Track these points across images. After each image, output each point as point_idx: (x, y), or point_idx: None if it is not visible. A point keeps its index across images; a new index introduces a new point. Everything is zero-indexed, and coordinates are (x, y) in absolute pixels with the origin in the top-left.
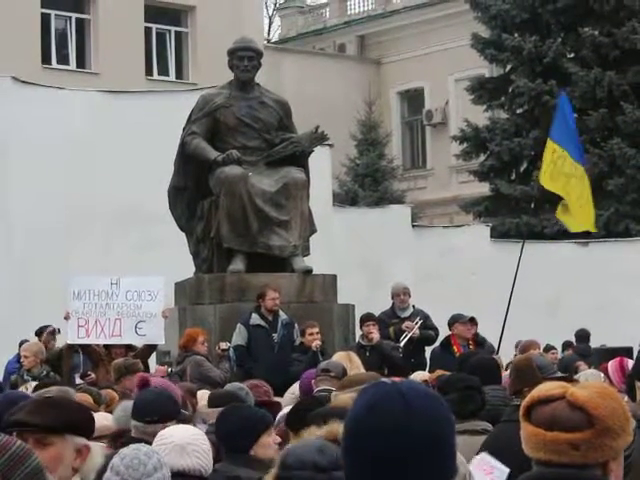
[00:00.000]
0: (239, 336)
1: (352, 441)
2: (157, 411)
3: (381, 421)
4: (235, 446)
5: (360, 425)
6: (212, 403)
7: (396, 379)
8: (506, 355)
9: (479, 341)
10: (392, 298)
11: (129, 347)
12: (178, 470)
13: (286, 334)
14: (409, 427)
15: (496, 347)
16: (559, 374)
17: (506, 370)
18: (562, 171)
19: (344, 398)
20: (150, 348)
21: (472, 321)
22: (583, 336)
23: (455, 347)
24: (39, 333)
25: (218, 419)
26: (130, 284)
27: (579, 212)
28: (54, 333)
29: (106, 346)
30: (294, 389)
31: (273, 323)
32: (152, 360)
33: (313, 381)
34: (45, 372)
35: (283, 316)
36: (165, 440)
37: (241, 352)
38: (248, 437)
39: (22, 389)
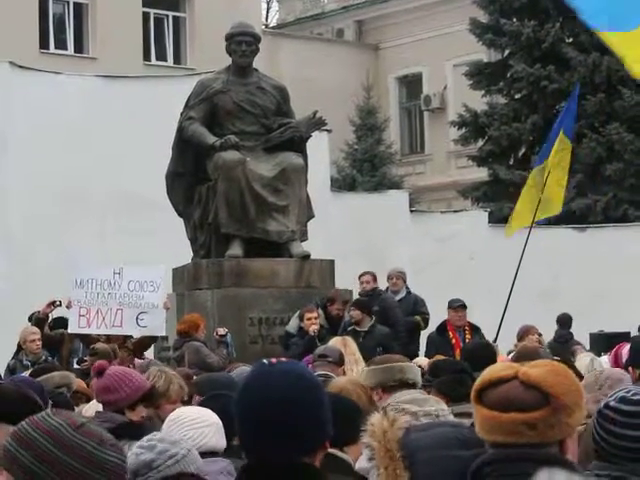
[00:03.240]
0: (294, 322)
1: (237, 410)
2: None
3: (248, 400)
4: None
5: (238, 400)
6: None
7: (274, 360)
8: (506, 342)
9: (474, 328)
10: (387, 281)
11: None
12: (221, 449)
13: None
14: (269, 400)
15: (495, 334)
16: None
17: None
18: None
19: (338, 383)
20: (150, 338)
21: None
22: (563, 321)
23: (450, 332)
24: (32, 318)
25: None
26: (133, 274)
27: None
28: (54, 304)
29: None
30: None
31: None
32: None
33: (310, 366)
34: (44, 357)
35: (346, 317)
36: (207, 422)
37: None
38: (232, 427)
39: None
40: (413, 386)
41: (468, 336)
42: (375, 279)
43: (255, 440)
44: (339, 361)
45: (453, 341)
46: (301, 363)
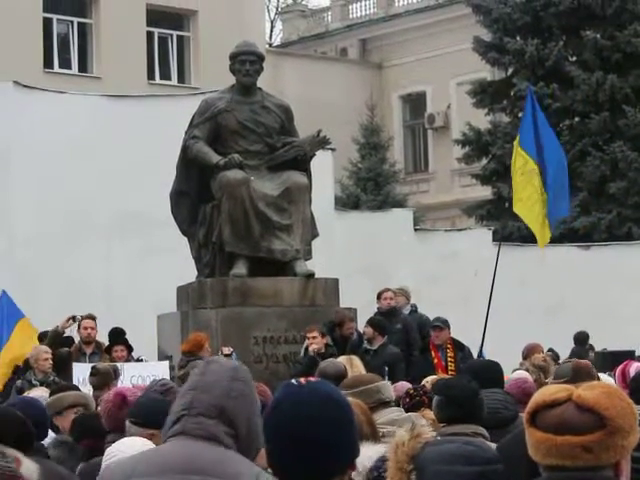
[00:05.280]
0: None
1: (265, 430)
2: (144, 415)
3: (278, 420)
4: None
5: (267, 420)
6: None
7: (303, 380)
8: (515, 359)
9: (457, 345)
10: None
11: (129, 349)
12: None
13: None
14: (300, 419)
15: (478, 350)
16: None
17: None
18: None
19: None
20: None
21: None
22: (580, 339)
23: (433, 352)
24: (40, 338)
25: None
26: (134, 369)
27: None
28: (73, 319)
29: (107, 349)
30: None
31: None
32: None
33: None
34: (52, 377)
35: (354, 336)
36: (113, 458)
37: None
38: None
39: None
40: (389, 404)
41: (450, 354)
42: (397, 296)
43: (285, 459)
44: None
45: (435, 361)
46: (329, 383)
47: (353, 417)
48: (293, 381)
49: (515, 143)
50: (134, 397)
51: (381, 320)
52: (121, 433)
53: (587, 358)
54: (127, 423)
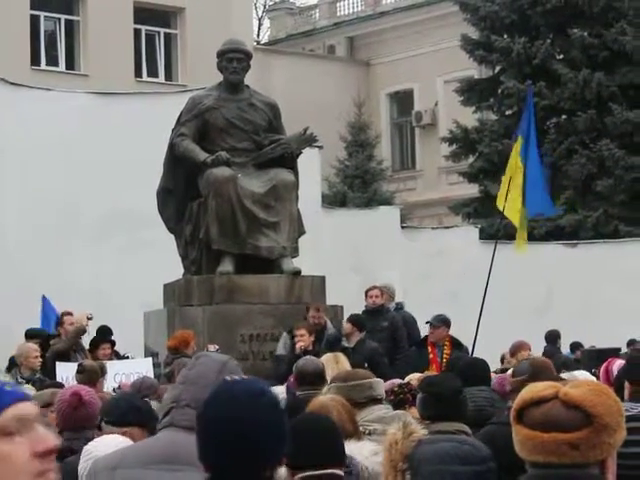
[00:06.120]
0: (283, 347)
1: (198, 426)
2: (116, 414)
3: (208, 415)
4: None
5: (200, 414)
6: None
7: (238, 377)
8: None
9: (455, 343)
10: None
11: (113, 344)
12: None
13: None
14: (230, 417)
15: (471, 348)
16: None
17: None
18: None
19: (320, 400)
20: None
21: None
22: (551, 337)
23: (429, 348)
24: (31, 336)
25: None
26: (118, 367)
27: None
28: (88, 318)
29: (91, 349)
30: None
31: (319, 337)
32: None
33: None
34: (37, 375)
35: (330, 330)
36: (90, 455)
37: (280, 362)
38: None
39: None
40: (380, 401)
41: (447, 351)
42: (382, 294)
43: (216, 455)
44: (321, 376)
45: (430, 356)
46: (262, 381)
47: (284, 417)
48: (227, 377)
49: (516, 145)
50: (89, 397)
51: (360, 316)
52: (74, 432)
53: (558, 356)
54: (102, 423)
